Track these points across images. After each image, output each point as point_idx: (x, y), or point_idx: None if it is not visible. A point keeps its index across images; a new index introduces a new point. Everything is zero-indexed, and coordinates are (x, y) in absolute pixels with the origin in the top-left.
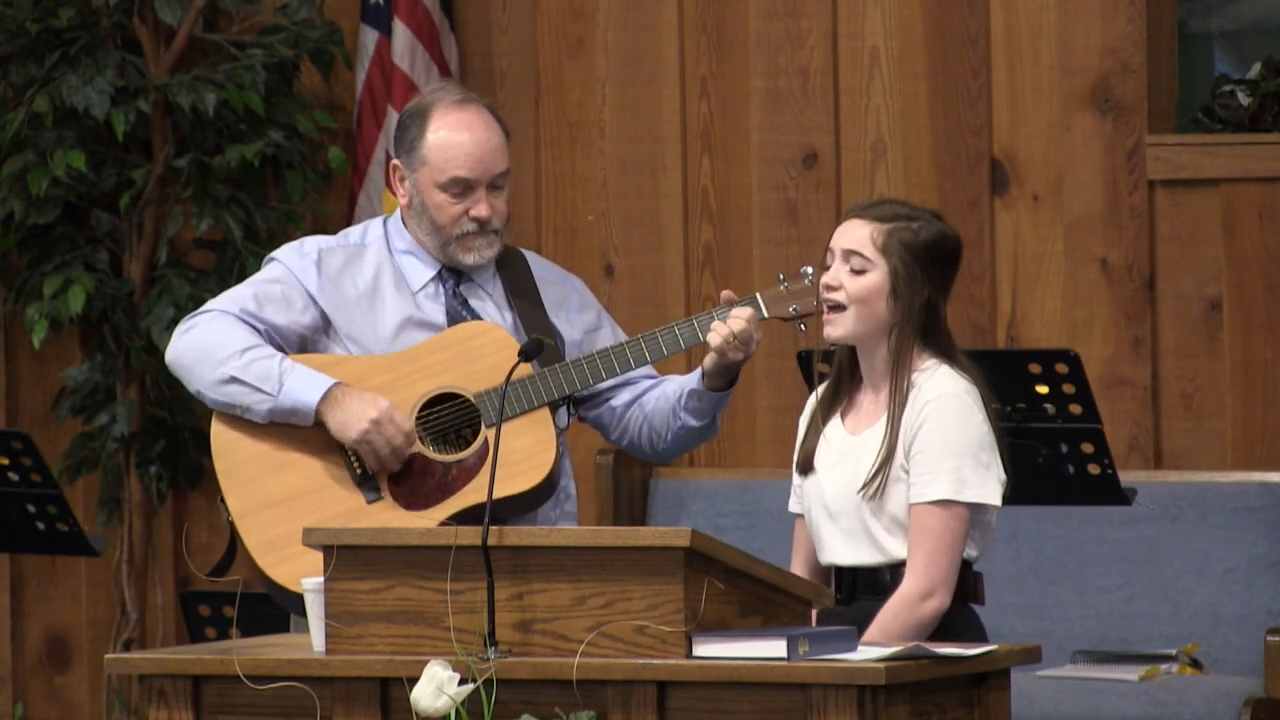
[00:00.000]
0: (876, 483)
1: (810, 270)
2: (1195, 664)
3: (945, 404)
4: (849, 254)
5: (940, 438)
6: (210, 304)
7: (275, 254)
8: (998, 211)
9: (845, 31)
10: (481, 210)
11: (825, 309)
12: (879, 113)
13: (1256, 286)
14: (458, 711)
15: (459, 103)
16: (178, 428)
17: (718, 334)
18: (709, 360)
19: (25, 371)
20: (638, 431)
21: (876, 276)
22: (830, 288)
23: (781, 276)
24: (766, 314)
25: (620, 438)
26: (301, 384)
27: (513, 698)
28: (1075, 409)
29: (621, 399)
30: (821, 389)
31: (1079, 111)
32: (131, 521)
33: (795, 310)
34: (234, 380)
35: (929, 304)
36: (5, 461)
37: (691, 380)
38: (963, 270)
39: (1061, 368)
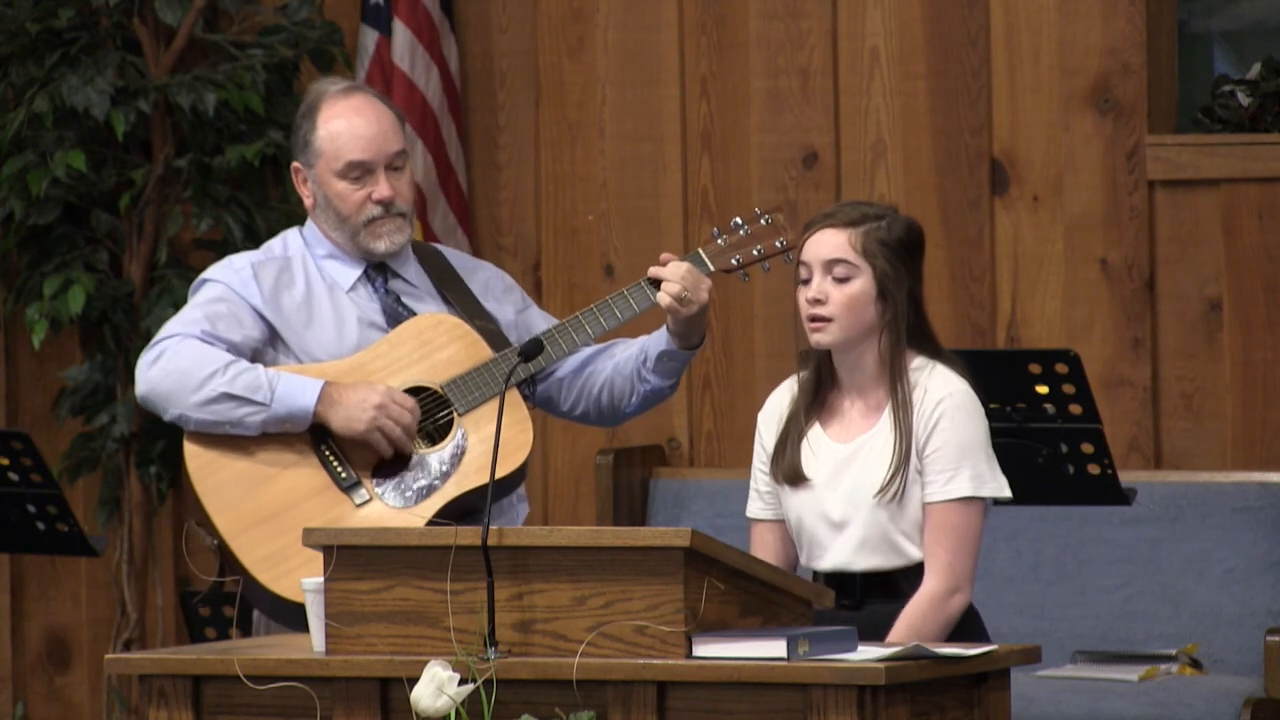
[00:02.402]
0: (895, 486)
1: (740, 221)
2: (1195, 664)
3: (958, 401)
4: (831, 264)
5: (958, 436)
6: (165, 331)
7: (207, 274)
8: (998, 211)
9: (845, 31)
10: (383, 191)
11: (809, 320)
12: (879, 113)
13: (1256, 286)
14: (458, 711)
15: (345, 91)
16: (177, 428)
17: (666, 292)
18: (670, 320)
19: (25, 371)
20: (594, 398)
21: (863, 281)
22: (818, 301)
23: (716, 231)
24: (711, 268)
25: (572, 408)
26: (293, 390)
27: (513, 698)
28: (1075, 409)
29: (567, 368)
30: (784, 390)
31: (1079, 112)
32: (131, 522)
33: (737, 261)
34: (224, 396)
35: (912, 297)
36: (5, 461)
37: (658, 343)
38: (963, 270)
39: (1061, 368)
